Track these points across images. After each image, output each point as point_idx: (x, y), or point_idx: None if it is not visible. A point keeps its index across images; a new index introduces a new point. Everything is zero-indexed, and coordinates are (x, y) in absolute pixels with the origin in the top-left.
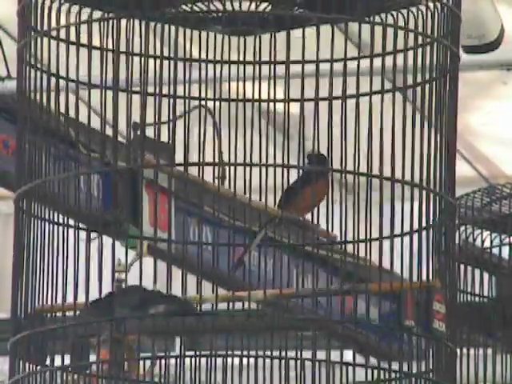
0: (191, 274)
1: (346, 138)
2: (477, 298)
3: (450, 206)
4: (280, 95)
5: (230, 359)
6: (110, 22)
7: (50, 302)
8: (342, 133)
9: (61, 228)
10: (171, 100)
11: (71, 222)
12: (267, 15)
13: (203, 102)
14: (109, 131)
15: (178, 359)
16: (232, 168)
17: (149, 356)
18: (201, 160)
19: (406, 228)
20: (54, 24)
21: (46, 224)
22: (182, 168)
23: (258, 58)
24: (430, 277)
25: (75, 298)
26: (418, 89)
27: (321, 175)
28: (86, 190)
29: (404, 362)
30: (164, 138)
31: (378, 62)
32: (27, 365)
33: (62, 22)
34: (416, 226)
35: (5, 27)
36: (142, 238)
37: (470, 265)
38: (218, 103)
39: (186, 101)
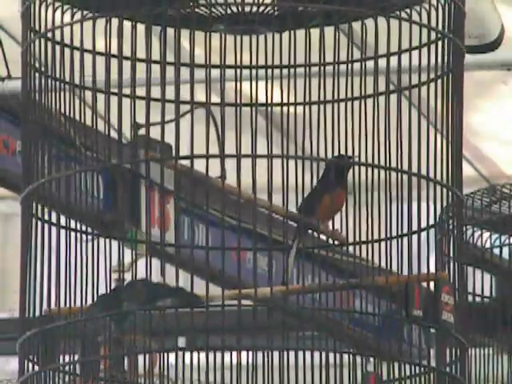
0: (194, 274)
1: (344, 132)
2: (477, 299)
3: (458, 199)
4: (278, 97)
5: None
6: (113, 24)
7: (57, 303)
8: (345, 127)
9: (63, 229)
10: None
11: (73, 222)
12: (271, 14)
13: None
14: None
15: (180, 357)
16: (232, 167)
17: (149, 354)
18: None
19: (414, 224)
20: (56, 26)
21: (50, 225)
22: (184, 163)
23: (258, 61)
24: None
25: (73, 299)
26: (426, 86)
27: (339, 184)
28: (87, 190)
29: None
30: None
31: (381, 61)
32: (35, 364)
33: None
34: (424, 221)
35: (5, 27)
36: (147, 241)
37: (470, 265)
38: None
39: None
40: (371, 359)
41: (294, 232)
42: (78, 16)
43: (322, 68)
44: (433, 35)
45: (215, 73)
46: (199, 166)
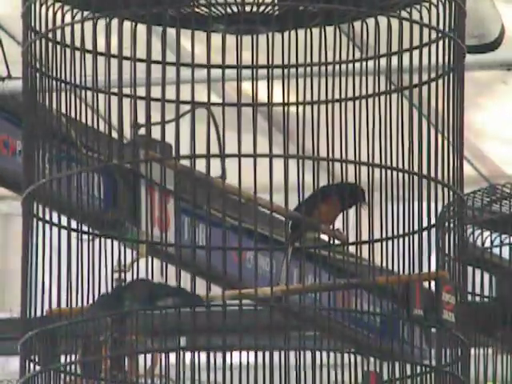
0: (191, 274)
1: (346, 132)
2: (477, 298)
3: (459, 199)
4: (279, 96)
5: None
6: (113, 24)
7: (57, 304)
8: (341, 127)
9: (63, 229)
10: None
11: (73, 222)
12: (271, 14)
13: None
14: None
15: (180, 357)
16: (234, 166)
17: (150, 354)
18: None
19: (415, 223)
20: (57, 26)
21: (51, 225)
22: (185, 162)
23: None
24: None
25: (72, 299)
26: (426, 85)
27: (335, 194)
28: (87, 190)
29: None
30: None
31: (382, 61)
32: (37, 364)
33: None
34: (426, 220)
35: (5, 27)
36: (147, 241)
37: (470, 265)
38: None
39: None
40: (371, 359)
41: (290, 233)
42: (78, 16)
43: (323, 67)
44: (433, 34)
45: (216, 73)
46: (200, 165)
